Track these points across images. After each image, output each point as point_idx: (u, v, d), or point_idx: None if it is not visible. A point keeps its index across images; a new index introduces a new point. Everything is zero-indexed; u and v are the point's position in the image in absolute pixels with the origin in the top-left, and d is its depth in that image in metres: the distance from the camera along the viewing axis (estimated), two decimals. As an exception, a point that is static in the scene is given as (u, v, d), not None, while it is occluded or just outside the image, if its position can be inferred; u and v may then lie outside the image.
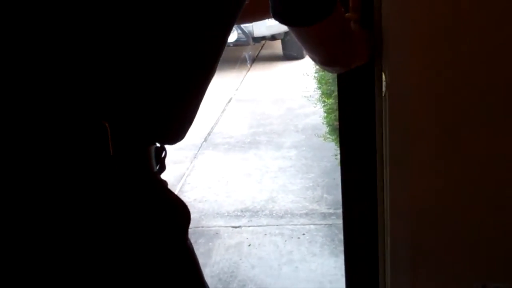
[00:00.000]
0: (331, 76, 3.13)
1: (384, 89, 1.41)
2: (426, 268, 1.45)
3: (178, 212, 0.99)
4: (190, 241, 1.02)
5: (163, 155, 0.98)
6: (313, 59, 1.07)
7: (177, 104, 0.92)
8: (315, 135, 4.26)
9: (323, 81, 3.22)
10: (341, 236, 2.96)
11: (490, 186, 1.35)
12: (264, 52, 7.82)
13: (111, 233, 0.86)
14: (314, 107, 3.56)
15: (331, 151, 3.77)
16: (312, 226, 3.02)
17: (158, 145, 0.93)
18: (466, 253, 1.40)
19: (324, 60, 1.08)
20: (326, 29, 0.94)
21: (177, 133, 0.97)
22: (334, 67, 1.13)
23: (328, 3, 0.92)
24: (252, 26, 6.53)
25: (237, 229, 3.06)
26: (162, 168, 0.98)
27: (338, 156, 3.34)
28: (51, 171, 0.84)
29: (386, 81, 1.39)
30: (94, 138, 0.83)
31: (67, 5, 0.84)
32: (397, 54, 1.35)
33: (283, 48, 7.21)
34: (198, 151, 4.31)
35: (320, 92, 3.33)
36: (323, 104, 3.30)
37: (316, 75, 3.37)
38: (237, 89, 6.03)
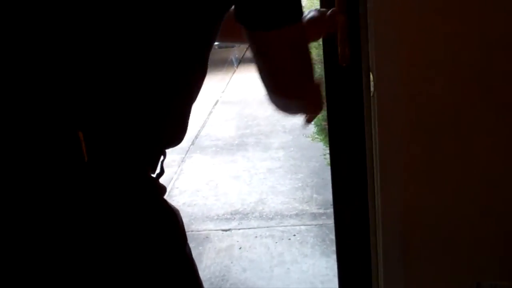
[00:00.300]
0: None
1: (372, 89, 1.41)
2: (418, 266, 1.45)
3: (170, 218, 0.96)
4: (189, 247, 1.00)
5: (161, 159, 0.97)
6: (266, 86, 0.98)
7: (160, 109, 0.90)
8: (303, 135, 4.27)
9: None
10: (332, 236, 2.96)
11: (482, 184, 1.35)
12: (250, 54, 7.80)
13: (86, 238, 0.85)
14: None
15: (319, 151, 3.78)
16: (302, 227, 3.02)
17: (153, 149, 0.92)
18: (459, 251, 1.39)
19: (276, 84, 0.97)
20: (286, 38, 0.89)
21: (169, 138, 0.96)
22: (286, 98, 1.00)
23: (293, 11, 0.89)
24: (237, 28, 6.51)
25: (227, 232, 3.04)
26: (160, 172, 0.97)
27: (327, 156, 3.34)
28: (25, 178, 0.83)
29: (374, 81, 1.39)
30: (67, 146, 0.83)
31: (41, 16, 0.82)
32: (385, 54, 1.35)
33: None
34: (185, 154, 4.29)
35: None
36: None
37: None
38: (223, 91, 6.02)
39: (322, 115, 3.21)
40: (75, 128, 0.83)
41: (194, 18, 0.86)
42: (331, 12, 1.30)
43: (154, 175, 0.96)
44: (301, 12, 0.90)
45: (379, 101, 1.35)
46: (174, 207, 1.00)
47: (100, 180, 0.86)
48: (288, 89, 0.97)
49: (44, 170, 0.84)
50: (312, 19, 1.28)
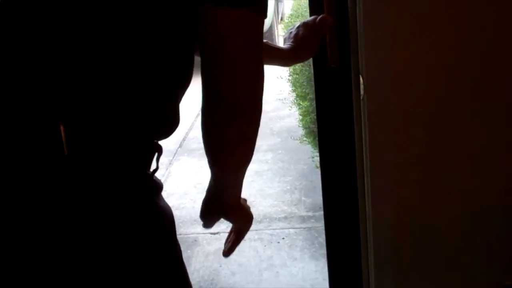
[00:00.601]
0: (305, 79, 3.12)
1: (362, 91, 1.40)
2: (409, 268, 1.45)
3: (159, 216, 0.96)
4: (179, 247, 1.01)
5: (156, 155, 0.98)
6: (207, 90, 0.90)
7: (144, 99, 0.88)
8: (291, 137, 4.25)
9: (297, 83, 3.21)
10: (321, 239, 2.96)
11: (473, 185, 1.35)
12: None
13: (62, 232, 0.83)
14: (290, 109, 3.55)
15: (308, 153, 3.76)
16: (291, 230, 3.01)
17: (141, 141, 0.91)
18: (451, 254, 1.39)
19: (219, 92, 0.89)
20: (239, 25, 0.83)
21: (157, 129, 0.95)
22: (227, 113, 0.91)
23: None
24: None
25: (216, 235, 3.02)
26: (155, 168, 0.98)
27: (315, 159, 3.33)
28: (4, 169, 0.82)
29: (363, 83, 1.38)
30: (48, 139, 0.82)
31: (22, 8, 0.82)
32: (374, 56, 1.34)
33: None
34: (173, 157, 4.27)
35: (295, 95, 3.32)
36: (298, 107, 3.29)
37: (290, 78, 3.36)
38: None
39: (311, 117, 3.21)
40: (55, 119, 0.82)
41: (173, 6, 0.84)
42: (320, 18, 1.30)
43: (150, 171, 0.96)
44: (261, 3, 0.85)
45: (369, 104, 1.35)
46: (166, 205, 1.02)
47: (83, 175, 0.84)
48: (232, 99, 0.88)
49: (23, 164, 0.83)
50: (304, 35, 1.29)
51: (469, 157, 1.33)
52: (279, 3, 8.24)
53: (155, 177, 1.00)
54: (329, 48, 1.36)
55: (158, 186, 1.01)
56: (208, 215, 1.12)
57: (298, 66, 3.19)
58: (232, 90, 0.87)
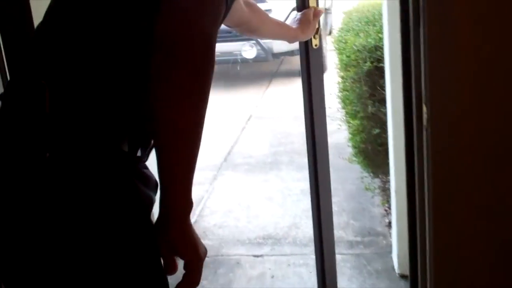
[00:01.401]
0: (355, 96, 2.98)
1: (425, 122, 1.26)
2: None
3: (134, 195, 0.95)
4: (152, 227, 0.96)
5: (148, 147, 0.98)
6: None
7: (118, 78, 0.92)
8: (339, 155, 4.11)
9: (347, 101, 3.06)
10: (370, 268, 2.80)
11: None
12: (283, 67, 7.69)
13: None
14: (339, 128, 3.41)
15: (356, 173, 3.60)
16: (338, 256, 2.84)
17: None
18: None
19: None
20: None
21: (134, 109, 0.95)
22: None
23: None
24: (272, 42, 6.41)
25: (259, 258, 2.91)
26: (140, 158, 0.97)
27: (364, 180, 3.17)
28: None
29: (427, 113, 1.24)
30: (30, 94, 0.89)
31: None
32: (441, 84, 1.20)
33: (303, 63, 7.06)
34: (217, 172, 4.18)
35: (345, 112, 3.18)
36: (347, 125, 3.15)
37: (339, 94, 3.22)
38: (256, 106, 5.91)
39: (361, 136, 3.06)
40: (40, 78, 0.90)
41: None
42: (317, 10, 1.79)
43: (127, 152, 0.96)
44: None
45: (433, 136, 1.21)
46: (148, 194, 0.98)
47: (59, 137, 0.89)
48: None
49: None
50: (307, 18, 1.73)
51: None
52: (328, 15, 8.10)
53: (148, 171, 1.02)
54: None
55: (147, 176, 1.00)
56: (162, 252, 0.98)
57: (348, 83, 3.05)
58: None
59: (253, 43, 6.17)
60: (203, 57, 0.87)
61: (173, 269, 0.98)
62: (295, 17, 1.77)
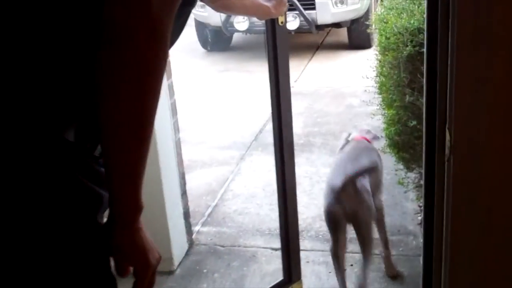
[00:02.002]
0: (392, 83, 2.72)
1: (447, 151, 1.03)
2: None
3: (77, 191, 0.88)
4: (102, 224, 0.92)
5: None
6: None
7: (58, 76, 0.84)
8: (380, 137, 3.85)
9: (383, 88, 2.81)
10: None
11: None
12: (329, 39, 7.38)
13: None
14: (372, 117, 3.16)
15: (392, 161, 3.36)
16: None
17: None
18: None
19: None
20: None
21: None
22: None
23: None
24: (316, 13, 6.11)
25: (277, 252, 2.72)
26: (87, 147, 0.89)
27: (398, 173, 2.90)
28: None
29: (451, 141, 1.01)
30: None
31: None
32: (468, 107, 0.97)
33: (349, 36, 6.75)
34: (246, 151, 3.99)
35: (381, 99, 2.92)
36: (382, 115, 2.90)
37: (377, 79, 2.96)
38: (296, 81, 5.66)
39: (396, 128, 2.81)
40: None
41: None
42: None
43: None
44: None
45: (456, 167, 0.98)
46: (96, 192, 0.90)
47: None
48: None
49: None
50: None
51: None
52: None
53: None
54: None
55: (97, 171, 0.91)
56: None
57: (386, 67, 2.78)
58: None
59: (296, 13, 5.89)
60: (152, 48, 0.78)
61: (125, 274, 0.93)
62: None
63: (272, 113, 2.15)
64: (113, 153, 0.85)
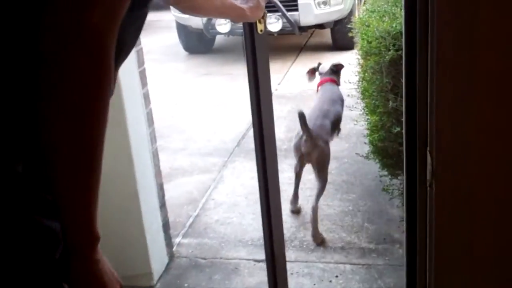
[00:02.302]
0: (375, 89, 2.65)
1: (429, 176, 0.96)
2: None
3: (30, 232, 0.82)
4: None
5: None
6: None
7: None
8: (360, 144, 3.79)
9: (366, 93, 2.74)
10: (380, 283, 2.51)
11: None
12: (312, 40, 7.31)
13: None
14: (355, 124, 3.09)
15: (376, 167, 3.30)
16: (347, 266, 2.58)
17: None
18: None
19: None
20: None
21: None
22: None
23: None
24: (299, 14, 6.03)
25: (260, 264, 2.64)
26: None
27: (383, 179, 2.84)
28: None
29: (432, 165, 0.94)
30: None
31: None
32: (451, 128, 0.90)
33: (333, 37, 6.68)
34: (228, 158, 3.91)
35: (364, 105, 2.85)
36: (365, 121, 2.83)
37: (359, 84, 2.89)
38: (279, 83, 5.58)
39: (379, 134, 2.74)
40: None
41: None
42: None
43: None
44: None
45: (438, 193, 0.91)
46: (50, 227, 0.83)
47: None
48: None
49: None
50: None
51: None
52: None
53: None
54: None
55: (50, 203, 0.82)
56: None
57: (368, 73, 2.71)
58: None
59: (279, 15, 5.81)
60: (91, 62, 0.70)
61: None
62: None
63: (253, 123, 2.04)
64: (59, 184, 0.78)
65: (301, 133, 2.93)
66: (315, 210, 2.82)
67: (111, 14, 0.71)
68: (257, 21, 1.72)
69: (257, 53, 1.80)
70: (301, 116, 2.91)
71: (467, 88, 0.88)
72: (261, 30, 1.77)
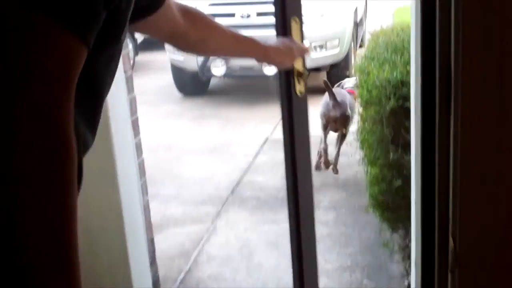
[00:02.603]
0: (375, 139, 2.55)
1: (450, 261, 0.85)
2: None
3: None
4: None
5: None
6: None
7: None
8: (358, 192, 3.67)
9: (366, 143, 2.64)
10: None
11: None
12: (308, 83, 7.23)
13: None
14: (357, 168, 3.00)
15: (376, 221, 3.18)
16: (346, 329, 2.43)
17: None
18: None
19: None
20: None
21: None
22: None
23: None
24: (294, 58, 6.00)
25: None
26: None
27: (383, 234, 2.72)
28: None
29: (456, 250, 0.83)
30: None
31: None
32: (473, 214, 0.79)
33: (329, 80, 6.63)
34: (222, 207, 3.78)
35: (363, 156, 2.75)
36: (365, 173, 2.73)
37: (358, 135, 2.80)
38: (275, 127, 5.49)
39: (380, 187, 2.64)
40: None
41: None
42: (300, 49, 1.46)
43: None
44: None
45: (462, 282, 0.80)
46: None
47: None
48: None
49: None
50: (284, 43, 1.42)
51: None
52: (359, 28, 7.66)
53: None
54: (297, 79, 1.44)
55: None
56: None
57: (367, 123, 2.62)
58: None
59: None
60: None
61: None
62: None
63: (288, 196, 1.75)
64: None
65: (328, 100, 3.88)
66: (339, 150, 3.97)
67: (59, 86, 0.66)
68: (296, 80, 1.46)
69: (295, 119, 1.50)
70: (327, 84, 3.87)
71: (494, 165, 0.77)
72: (300, 92, 1.48)
